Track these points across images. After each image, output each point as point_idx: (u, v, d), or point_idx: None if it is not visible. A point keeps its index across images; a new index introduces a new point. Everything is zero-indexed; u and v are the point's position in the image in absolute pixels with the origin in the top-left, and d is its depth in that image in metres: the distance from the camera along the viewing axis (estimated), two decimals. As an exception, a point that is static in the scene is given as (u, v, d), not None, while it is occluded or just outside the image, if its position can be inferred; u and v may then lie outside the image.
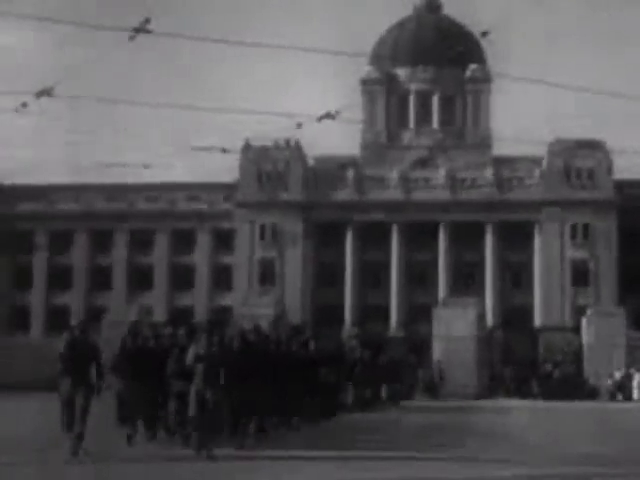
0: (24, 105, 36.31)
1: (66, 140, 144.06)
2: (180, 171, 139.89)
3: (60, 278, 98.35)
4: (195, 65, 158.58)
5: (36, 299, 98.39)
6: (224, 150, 67.51)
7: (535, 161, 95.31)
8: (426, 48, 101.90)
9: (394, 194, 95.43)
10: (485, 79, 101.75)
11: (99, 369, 19.04)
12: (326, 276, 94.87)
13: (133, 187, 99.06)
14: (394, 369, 45.28)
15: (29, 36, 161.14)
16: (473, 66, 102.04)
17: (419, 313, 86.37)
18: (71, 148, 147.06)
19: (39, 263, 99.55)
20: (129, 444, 20.70)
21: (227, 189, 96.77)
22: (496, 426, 30.92)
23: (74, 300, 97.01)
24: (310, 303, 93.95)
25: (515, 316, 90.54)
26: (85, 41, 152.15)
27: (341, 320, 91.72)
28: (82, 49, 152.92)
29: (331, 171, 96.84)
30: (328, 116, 38.61)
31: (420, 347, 71.71)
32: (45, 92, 33.97)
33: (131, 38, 30.66)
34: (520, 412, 42.07)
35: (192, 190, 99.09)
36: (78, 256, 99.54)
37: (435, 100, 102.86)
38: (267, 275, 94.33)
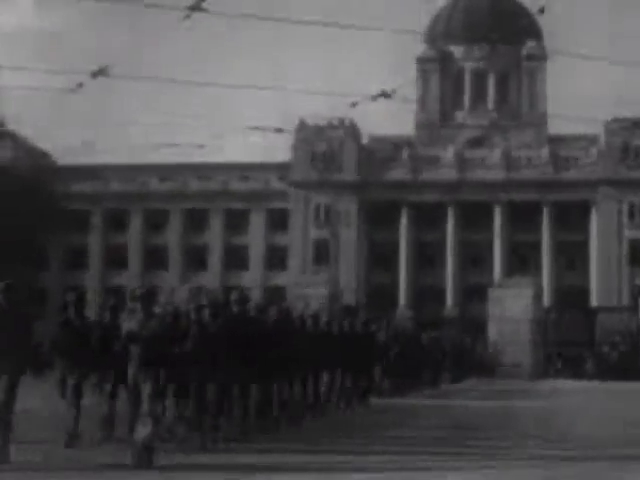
0: (80, 85, 36.30)
1: (121, 120, 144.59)
2: (234, 151, 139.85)
3: (115, 258, 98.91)
4: (250, 44, 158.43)
5: (91, 279, 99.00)
6: (279, 130, 67.35)
7: (591, 140, 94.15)
8: (481, 26, 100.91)
9: (449, 174, 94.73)
10: (542, 57, 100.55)
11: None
12: (380, 257, 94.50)
13: (187, 167, 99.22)
14: (438, 350, 44.21)
15: (81, 17, 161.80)
16: (530, 43, 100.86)
17: (474, 294, 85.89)
18: (126, 128, 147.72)
19: (94, 243, 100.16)
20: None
21: (281, 169, 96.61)
22: (548, 413, 28.31)
23: (129, 280, 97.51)
24: (364, 284, 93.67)
25: (571, 297, 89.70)
26: (139, 21, 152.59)
27: (395, 301, 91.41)
28: (136, 29, 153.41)
29: (385, 151, 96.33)
30: (383, 95, 38.19)
31: (475, 328, 71.37)
32: (101, 72, 33.92)
33: (186, 17, 30.47)
34: (578, 394, 41.41)
35: (246, 170, 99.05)
36: (133, 236, 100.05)
37: (490, 78, 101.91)
38: (321, 255, 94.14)
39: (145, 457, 14.55)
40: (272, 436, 18.45)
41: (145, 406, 14.88)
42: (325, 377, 24.15)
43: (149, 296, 15.29)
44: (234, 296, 18.37)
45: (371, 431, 20.73)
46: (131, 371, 15.11)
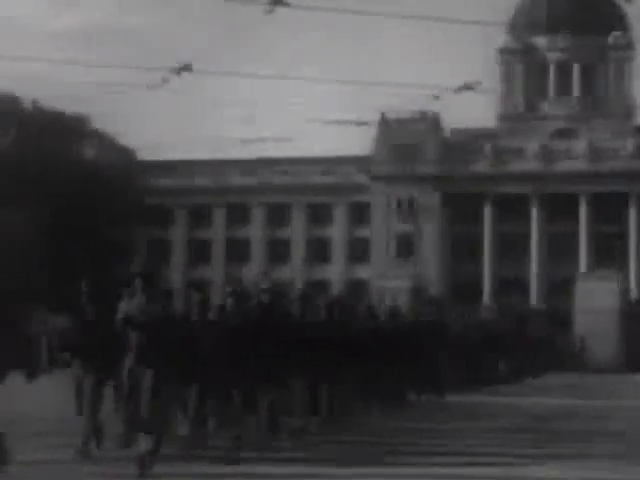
0: (164, 81, 36.55)
1: (203, 115, 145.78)
2: (316, 145, 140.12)
3: (198, 252, 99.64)
4: (331, 37, 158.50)
5: (174, 273, 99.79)
6: (361, 123, 67.24)
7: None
8: (565, 16, 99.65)
9: (533, 165, 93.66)
10: (628, 46, 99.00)
11: None
12: (463, 249, 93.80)
13: (268, 162, 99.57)
14: (518, 343, 42.68)
15: (164, 14, 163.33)
16: (616, 33, 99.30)
17: (559, 286, 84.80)
18: (208, 123, 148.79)
19: (177, 237, 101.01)
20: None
21: (363, 162, 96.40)
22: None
23: (212, 274, 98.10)
24: (447, 276, 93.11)
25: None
26: (221, 17, 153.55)
27: (479, 294, 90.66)
28: (218, 25, 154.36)
29: (468, 143, 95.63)
30: (467, 87, 37.78)
31: (561, 321, 70.41)
32: (185, 68, 34.13)
33: (268, 11, 30.44)
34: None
35: (327, 164, 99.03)
36: (215, 230, 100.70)
37: (575, 69, 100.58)
38: (403, 248, 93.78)
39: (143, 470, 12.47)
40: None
41: (144, 408, 12.65)
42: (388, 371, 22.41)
43: (150, 276, 13.11)
44: (264, 285, 16.47)
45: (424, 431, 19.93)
46: (128, 363, 12.89)
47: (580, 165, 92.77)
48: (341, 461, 14.06)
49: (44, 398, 24.05)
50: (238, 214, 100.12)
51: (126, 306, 13.03)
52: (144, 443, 12.53)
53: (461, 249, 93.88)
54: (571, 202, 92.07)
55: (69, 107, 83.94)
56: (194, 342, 14.20)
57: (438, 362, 27.27)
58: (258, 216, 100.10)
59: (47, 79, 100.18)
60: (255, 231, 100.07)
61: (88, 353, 13.99)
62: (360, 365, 19.95)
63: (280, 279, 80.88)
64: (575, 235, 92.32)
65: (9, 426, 13.19)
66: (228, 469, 13.12)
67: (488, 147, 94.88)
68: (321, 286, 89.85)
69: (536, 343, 48.52)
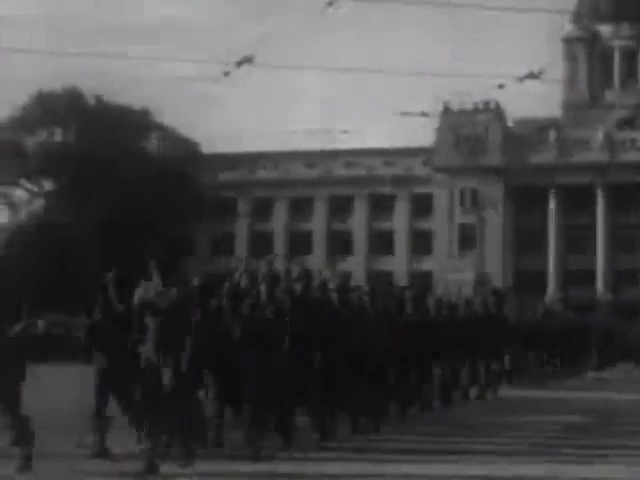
0: (226, 74, 36.56)
1: (265, 108, 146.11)
2: (378, 136, 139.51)
3: (261, 245, 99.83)
4: (390, 28, 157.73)
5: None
6: (424, 114, 66.59)
7: None
8: (630, 3, 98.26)
9: (598, 156, 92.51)
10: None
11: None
12: (527, 241, 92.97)
13: (331, 154, 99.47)
14: (584, 335, 41.72)
15: (226, 6, 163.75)
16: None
17: (626, 278, 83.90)
18: (270, 116, 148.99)
19: (241, 230, 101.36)
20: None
21: (425, 154, 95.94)
22: None
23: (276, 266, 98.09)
24: (511, 269, 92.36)
25: None
26: (280, 10, 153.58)
27: (543, 286, 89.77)
28: (280, 17, 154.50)
29: (531, 133, 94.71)
30: (531, 76, 37.34)
31: (629, 312, 69.54)
32: (246, 61, 34.10)
33: (329, 4, 30.33)
34: None
35: (390, 155, 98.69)
36: (278, 223, 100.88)
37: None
38: (467, 240, 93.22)
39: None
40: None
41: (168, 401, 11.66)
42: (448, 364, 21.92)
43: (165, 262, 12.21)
44: (296, 272, 15.47)
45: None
46: (147, 351, 11.99)
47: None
48: (408, 456, 13.89)
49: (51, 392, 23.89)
50: (301, 206, 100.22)
51: (142, 292, 12.19)
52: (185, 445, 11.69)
53: (525, 241, 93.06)
54: (637, 192, 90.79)
55: (132, 102, 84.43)
56: (225, 332, 13.48)
57: (498, 356, 26.93)
58: (321, 208, 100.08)
59: (110, 74, 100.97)
60: (318, 223, 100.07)
61: (115, 348, 13.11)
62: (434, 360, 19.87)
63: (343, 271, 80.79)
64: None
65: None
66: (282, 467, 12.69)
67: (552, 137, 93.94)
68: (384, 278, 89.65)
69: (603, 335, 47.82)
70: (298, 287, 14.79)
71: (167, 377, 11.86)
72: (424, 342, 18.81)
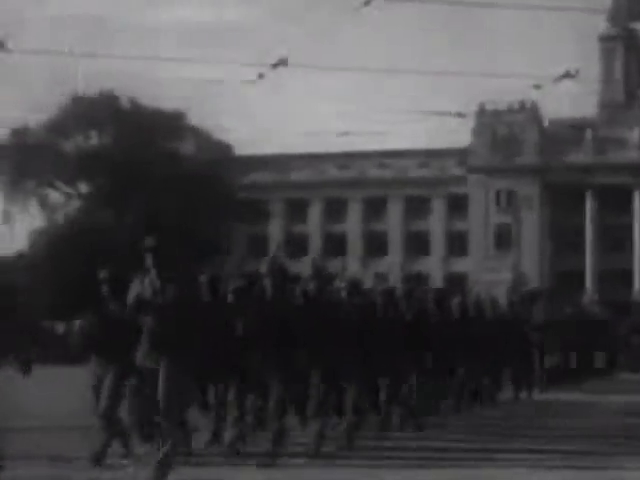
0: (261, 76, 36.52)
1: (298, 109, 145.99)
2: (413, 137, 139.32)
3: (296, 246, 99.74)
4: (424, 29, 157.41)
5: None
6: (459, 114, 66.28)
7: None
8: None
9: (635, 155, 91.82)
10: None
11: None
12: (564, 241, 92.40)
13: (365, 155, 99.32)
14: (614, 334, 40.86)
15: (259, 8, 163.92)
16: None
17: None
18: (303, 117, 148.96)
19: (275, 231, 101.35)
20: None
21: (460, 154, 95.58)
22: None
23: (308, 267, 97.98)
24: (548, 269, 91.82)
25: None
26: (316, 11, 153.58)
27: (581, 286, 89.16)
28: (313, 19, 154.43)
29: (567, 133, 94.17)
30: (567, 76, 37.01)
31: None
32: (281, 63, 34.08)
33: (365, 3, 30.15)
34: None
35: (424, 156, 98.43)
36: (313, 224, 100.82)
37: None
38: (503, 241, 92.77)
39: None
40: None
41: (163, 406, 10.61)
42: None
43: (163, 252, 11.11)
44: (314, 264, 15.08)
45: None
46: (140, 354, 10.94)
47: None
48: (440, 459, 13.59)
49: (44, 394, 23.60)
50: (335, 208, 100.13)
51: (138, 288, 10.88)
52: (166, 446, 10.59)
53: (562, 240, 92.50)
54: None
55: (166, 104, 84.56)
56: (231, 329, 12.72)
57: (529, 358, 26.42)
58: (355, 210, 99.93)
59: (144, 76, 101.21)
60: (352, 224, 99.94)
61: (111, 351, 12.27)
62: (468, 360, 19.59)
63: (379, 273, 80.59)
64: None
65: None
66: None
67: (588, 137, 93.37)
68: (420, 279, 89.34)
69: (633, 335, 47.20)
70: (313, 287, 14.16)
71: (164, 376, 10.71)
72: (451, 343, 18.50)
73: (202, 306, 11.79)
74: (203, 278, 13.38)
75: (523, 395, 25.14)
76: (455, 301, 20.54)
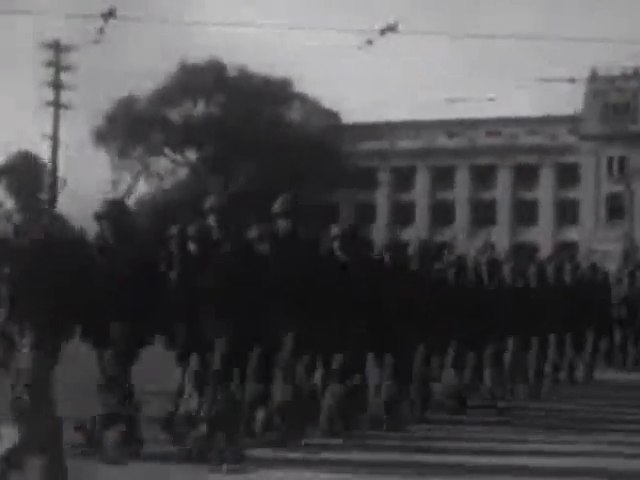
0: (369, 42, 36.05)
1: (407, 77, 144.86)
2: (522, 104, 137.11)
3: (401, 214, 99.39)
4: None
5: (377, 234, 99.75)
6: (570, 80, 64.84)
7: None
8: None
9: None
10: None
11: None
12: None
13: (473, 122, 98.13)
14: None
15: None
16: None
17: None
18: (412, 84, 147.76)
19: (381, 200, 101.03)
20: None
21: (571, 122, 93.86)
22: None
23: (416, 235, 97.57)
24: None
25: None
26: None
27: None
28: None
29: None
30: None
31: None
32: (390, 28, 33.64)
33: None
34: None
35: (534, 124, 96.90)
36: (419, 193, 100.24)
37: None
38: (614, 210, 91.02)
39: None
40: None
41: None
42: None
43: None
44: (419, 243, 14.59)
45: None
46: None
47: None
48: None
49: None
50: (442, 176, 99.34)
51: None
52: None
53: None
54: None
55: (274, 71, 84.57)
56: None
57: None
58: (462, 178, 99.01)
59: (252, 44, 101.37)
60: (460, 192, 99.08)
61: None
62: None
63: (487, 241, 79.75)
64: None
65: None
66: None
67: None
68: (528, 249, 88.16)
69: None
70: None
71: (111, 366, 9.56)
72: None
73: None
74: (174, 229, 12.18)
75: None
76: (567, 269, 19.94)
